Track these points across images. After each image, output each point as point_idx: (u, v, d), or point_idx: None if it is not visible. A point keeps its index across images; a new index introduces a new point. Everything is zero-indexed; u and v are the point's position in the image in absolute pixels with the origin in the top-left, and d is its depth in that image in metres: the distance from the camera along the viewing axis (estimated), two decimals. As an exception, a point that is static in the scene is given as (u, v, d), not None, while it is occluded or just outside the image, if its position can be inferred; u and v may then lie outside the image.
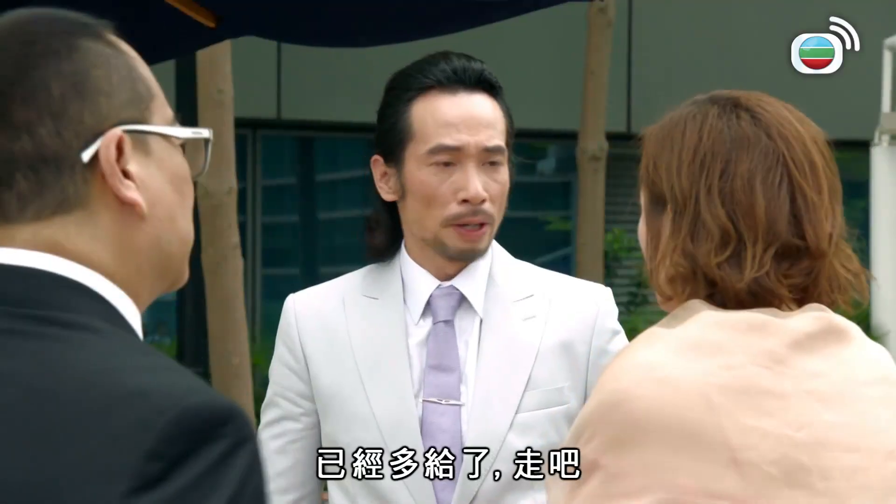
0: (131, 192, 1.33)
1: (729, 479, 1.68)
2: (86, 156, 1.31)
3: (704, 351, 1.72)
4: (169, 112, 1.39)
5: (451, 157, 2.40)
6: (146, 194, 1.34)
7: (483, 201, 2.39)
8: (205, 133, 1.41)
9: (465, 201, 2.39)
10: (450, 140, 2.40)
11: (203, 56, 6.46)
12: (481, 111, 2.43)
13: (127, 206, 1.33)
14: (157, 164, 1.36)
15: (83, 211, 1.32)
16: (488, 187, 2.41)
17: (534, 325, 2.44)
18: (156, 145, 1.36)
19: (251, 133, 12.35)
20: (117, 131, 1.32)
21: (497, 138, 2.43)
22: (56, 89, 1.31)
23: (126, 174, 1.33)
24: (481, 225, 2.41)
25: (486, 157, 2.41)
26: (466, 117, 2.41)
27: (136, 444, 1.19)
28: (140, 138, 1.34)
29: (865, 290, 1.85)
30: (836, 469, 1.71)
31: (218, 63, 6.57)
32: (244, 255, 6.96)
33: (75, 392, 1.22)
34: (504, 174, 2.44)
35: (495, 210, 2.42)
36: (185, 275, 1.41)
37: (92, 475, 1.19)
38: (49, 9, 1.36)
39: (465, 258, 2.44)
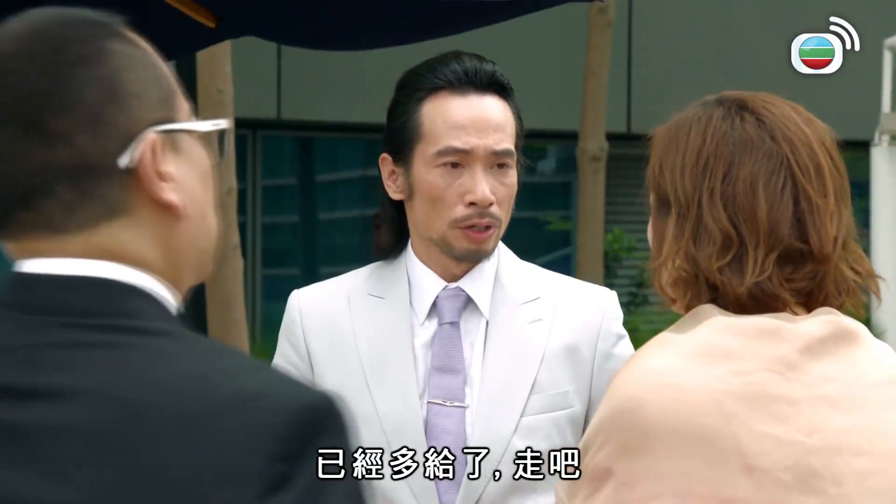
0: (169, 193, 1.32)
1: (742, 486, 1.67)
2: (123, 161, 1.30)
3: (716, 357, 1.71)
4: (187, 105, 1.38)
5: (459, 160, 2.39)
6: (181, 194, 1.34)
7: (490, 204, 2.39)
8: (223, 124, 1.40)
9: (472, 204, 2.39)
10: (459, 143, 2.39)
11: (203, 56, 6.46)
12: (491, 113, 2.42)
13: (165, 208, 1.33)
14: (188, 161, 1.35)
15: (126, 216, 1.31)
16: (496, 190, 2.40)
17: (539, 328, 2.43)
18: (184, 142, 1.36)
19: (251, 133, 12.35)
20: (151, 134, 1.32)
21: (506, 142, 2.42)
22: (90, 96, 1.30)
23: (161, 176, 1.32)
24: (488, 227, 2.40)
25: (495, 161, 2.41)
26: (476, 120, 2.40)
27: (257, 448, 1.20)
28: (170, 137, 1.34)
29: (878, 292, 1.84)
30: (847, 474, 1.70)
31: (218, 63, 6.57)
32: (244, 255, 6.96)
33: (174, 401, 1.22)
34: (512, 177, 2.43)
35: (502, 213, 2.42)
36: (211, 267, 1.41)
37: (219, 483, 1.19)
38: (67, 9, 1.34)
39: (471, 259, 2.43)
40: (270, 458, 1.20)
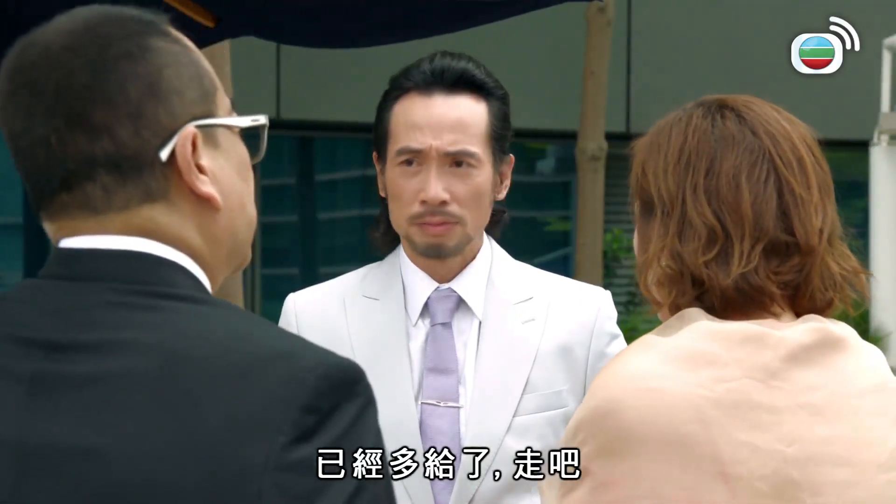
0: (206, 186, 1.38)
1: (718, 493, 1.66)
2: (164, 154, 1.36)
3: (698, 362, 1.70)
4: (227, 101, 1.44)
5: (414, 158, 2.42)
6: (218, 186, 1.40)
7: (443, 203, 2.40)
8: (262, 119, 1.46)
9: (424, 202, 2.40)
10: (413, 143, 2.42)
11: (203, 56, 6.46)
12: (450, 113, 2.42)
13: (203, 200, 1.39)
14: (225, 155, 1.41)
15: (165, 202, 1.38)
16: (454, 188, 2.41)
17: (533, 327, 2.43)
18: (222, 137, 1.42)
19: (250, 133, 12.33)
20: (191, 128, 1.38)
21: (464, 142, 2.42)
22: (133, 91, 1.36)
23: (200, 169, 1.38)
24: (442, 223, 2.41)
25: (451, 160, 2.42)
26: (433, 120, 2.41)
27: (291, 399, 1.27)
28: (209, 132, 1.40)
29: (866, 290, 1.83)
30: (827, 484, 1.69)
31: (217, 63, 6.57)
32: (243, 255, 6.95)
33: (215, 355, 1.29)
34: (477, 176, 2.42)
35: (464, 211, 2.42)
36: (249, 257, 1.48)
37: (251, 429, 1.26)
38: (114, 7, 1.40)
39: (433, 253, 2.44)
40: (302, 410, 1.26)
